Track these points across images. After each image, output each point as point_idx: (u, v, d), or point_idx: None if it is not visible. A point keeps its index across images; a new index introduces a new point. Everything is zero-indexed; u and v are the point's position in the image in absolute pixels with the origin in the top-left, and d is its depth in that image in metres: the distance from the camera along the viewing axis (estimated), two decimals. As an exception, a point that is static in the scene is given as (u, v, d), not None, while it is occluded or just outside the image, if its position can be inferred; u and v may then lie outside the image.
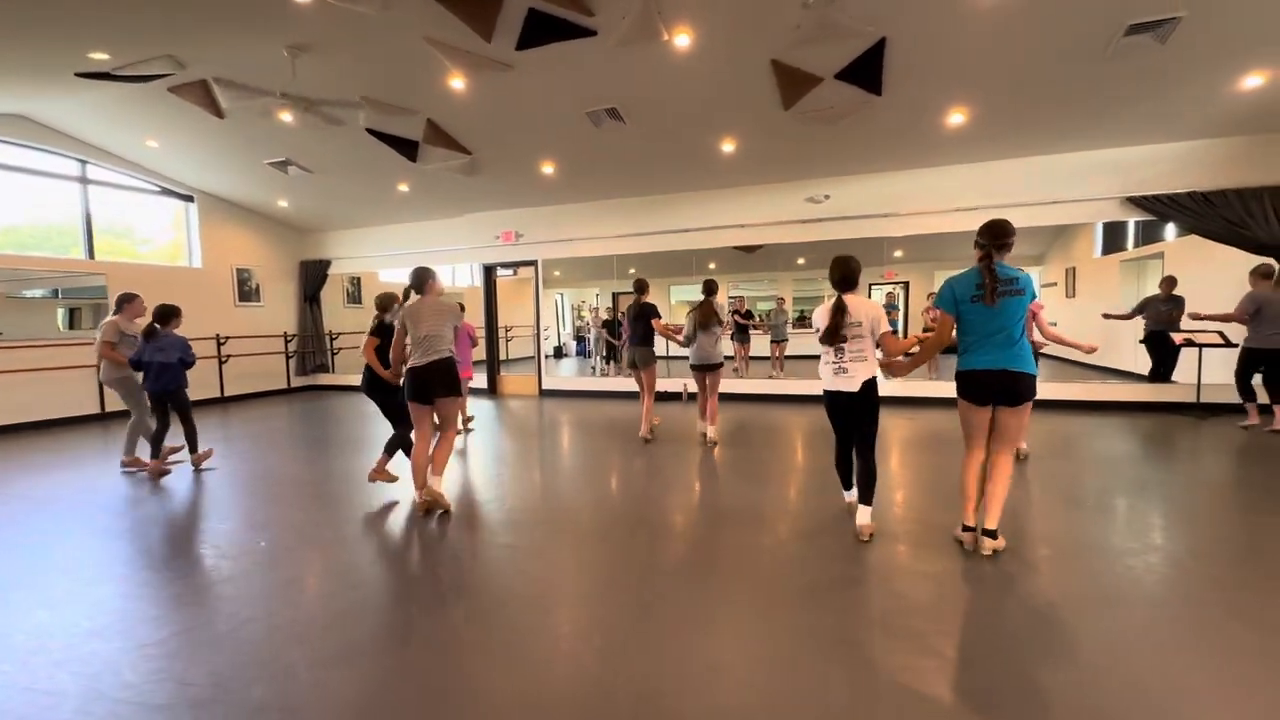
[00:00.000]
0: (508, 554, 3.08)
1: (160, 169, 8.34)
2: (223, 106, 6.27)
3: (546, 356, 9.81)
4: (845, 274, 3.18)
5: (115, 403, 7.88)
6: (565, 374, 11.17)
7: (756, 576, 2.72)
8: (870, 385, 3.13)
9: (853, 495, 3.38)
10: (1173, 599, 2.41)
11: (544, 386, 9.48)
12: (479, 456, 5.31)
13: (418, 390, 3.66)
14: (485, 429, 6.57)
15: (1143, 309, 6.69)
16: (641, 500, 3.89)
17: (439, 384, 3.65)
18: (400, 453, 4.37)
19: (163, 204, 8.96)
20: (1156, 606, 2.36)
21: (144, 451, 5.02)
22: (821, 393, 3.29)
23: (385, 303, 4.56)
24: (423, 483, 3.68)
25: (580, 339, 15.23)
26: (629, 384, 8.94)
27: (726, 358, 5.58)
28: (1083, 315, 9.73)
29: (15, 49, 5.22)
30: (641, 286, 5.76)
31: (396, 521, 3.68)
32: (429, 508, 3.68)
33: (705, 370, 5.41)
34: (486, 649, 2.18)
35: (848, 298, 3.16)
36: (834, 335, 3.12)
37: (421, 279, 3.79)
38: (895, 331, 3.22)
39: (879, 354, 3.21)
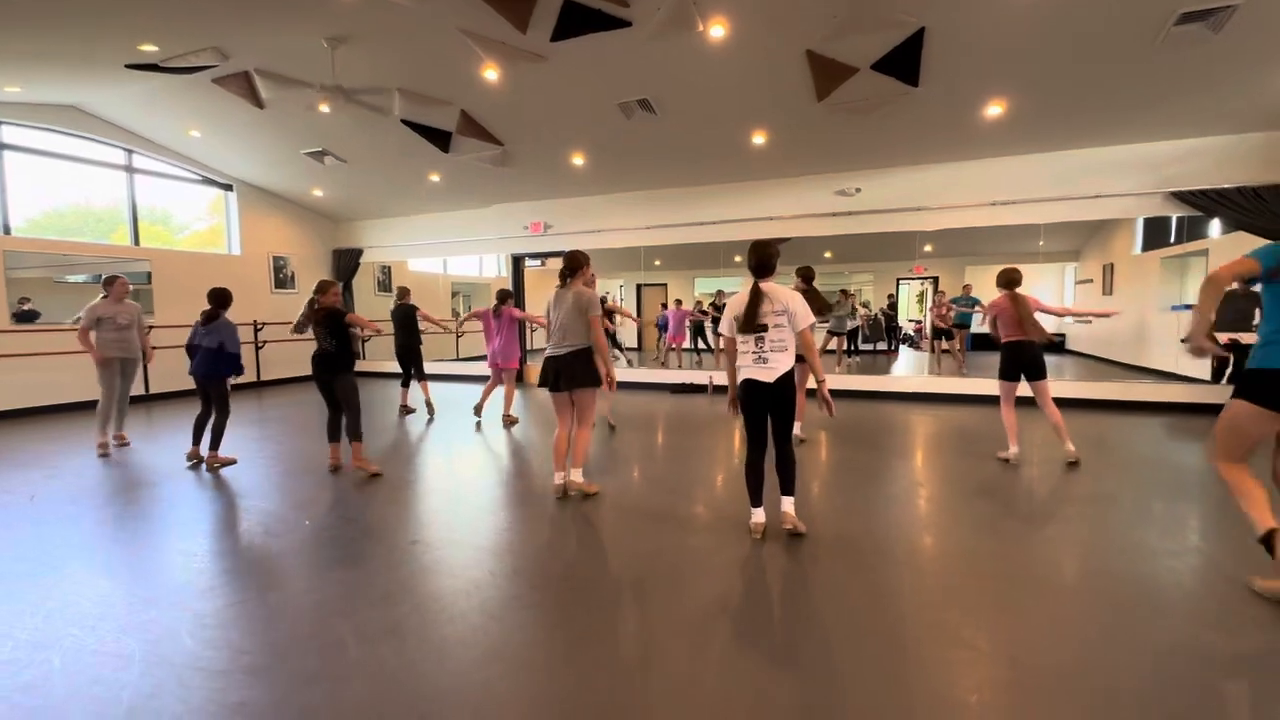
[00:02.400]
0: (551, 535, 3.14)
1: (202, 158, 8.57)
2: (263, 97, 6.44)
3: None
4: (761, 260, 3.01)
5: (159, 386, 8.16)
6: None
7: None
8: (787, 377, 2.97)
9: (760, 515, 3.10)
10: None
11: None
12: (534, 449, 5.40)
13: (549, 378, 3.69)
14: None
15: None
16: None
17: (568, 374, 3.64)
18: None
19: (203, 193, 9.22)
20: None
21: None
22: (740, 384, 3.08)
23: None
24: (561, 465, 3.76)
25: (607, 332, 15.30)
26: (657, 375, 8.98)
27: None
28: (1121, 312, 9.49)
29: (71, 42, 5.40)
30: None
31: (433, 500, 3.78)
32: (565, 492, 3.74)
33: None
34: (527, 625, 2.25)
35: (765, 285, 3.00)
36: (751, 323, 2.96)
37: (573, 265, 3.71)
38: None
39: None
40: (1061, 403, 6.87)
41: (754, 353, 3.01)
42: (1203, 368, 6.96)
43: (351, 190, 9.39)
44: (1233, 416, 2.42)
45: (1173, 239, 8.24)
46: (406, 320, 6.90)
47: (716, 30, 4.88)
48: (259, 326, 9.43)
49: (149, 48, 5.44)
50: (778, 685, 1.88)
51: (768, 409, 3.03)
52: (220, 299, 4.75)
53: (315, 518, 3.47)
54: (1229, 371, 6.65)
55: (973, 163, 7.07)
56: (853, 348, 10.47)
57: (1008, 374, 4.54)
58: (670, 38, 4.98)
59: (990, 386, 7.35)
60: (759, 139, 6.76)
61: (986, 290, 9.42)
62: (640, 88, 5.86)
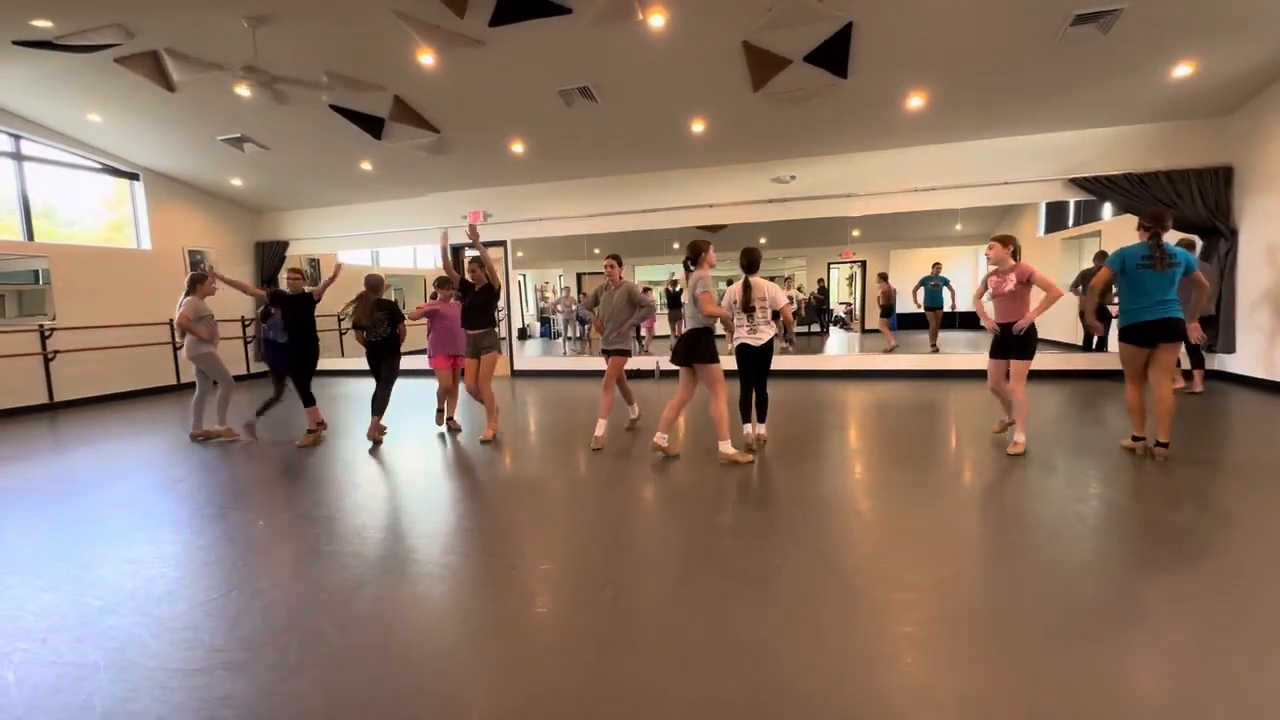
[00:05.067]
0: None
1: (103, 145, 7.90)
2: (174, 79, 6.02)
3: (502, 338, 9.79)
4: (750, 260, 4.27)
5: (66, 393, 7.57)
6: (532, 354, 11.20)
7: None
8: (769, 344, 4.27)
9: (749, 427, 4.51)
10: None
11: (515, 368, 9.50)
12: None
13: (676, 355, 4.16)
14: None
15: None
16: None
17: (688, 352, 4.06)
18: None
19: (104, 183, 8.51)
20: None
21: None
22: (735, 346, 4.38)
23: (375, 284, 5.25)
24: (666, 428, 4.18)
25: (545, 320, 15.20)
26: (597, 363, 9.05)
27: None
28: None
29: (-54, 14, 4.88)
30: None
31: (382, 489, 3.74)
32: (665, 453, 4.21)
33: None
34: (505, 601, 2.31)
35: (752, 279, 4.24)
36: (747, 307, 4.22)
37: (694, 253, 4.08)
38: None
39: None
40: (981, 374, 7.49)
41: (747, 326, 4.27)
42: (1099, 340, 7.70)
43: (275, 179, 8.91)
44: (1120, 353, 3.92)
45: (1071, 222, 9.02)
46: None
47: (656, 19, 4.96)
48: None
49: (43, 23, 4.99)
50: (750, 632, 2.03)
51: (754, 364, 4.33)
52: (273, 298, 5.37)
53: (270, 517, 3.38)
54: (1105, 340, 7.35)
55: (897, 151, 7.49)
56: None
57: (993, 350, 4.28)
58: (610, 25, 5.02)
59: (913, 362, 7.90)
60: (698, 127, 6.91)
61: (915, 270, 10.02)
62: (581, 75, 5.87)
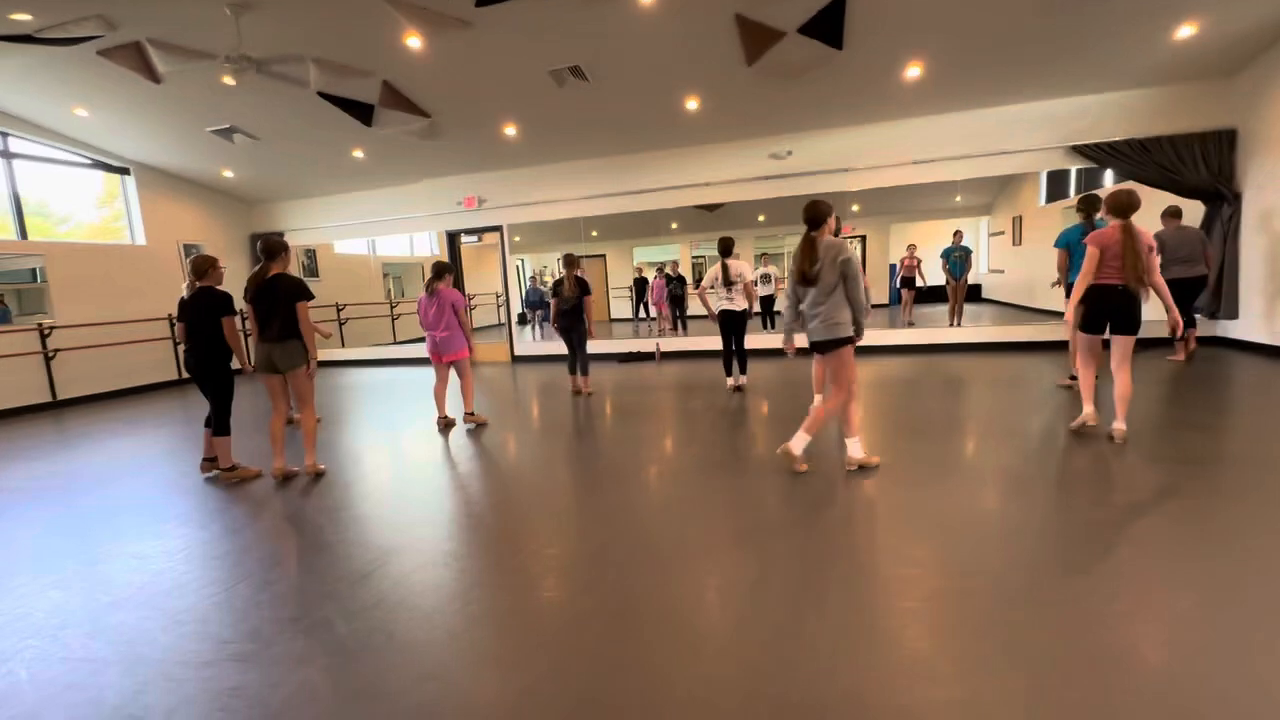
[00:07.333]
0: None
1: (92, 140, 7.82)
2: (159, 70, 5.92)
3: (500, 324, 9.76)
4: (725, 247, 5.60)
5: (67, 391, 7.57)
6: (531, 340, 11.18)
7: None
8: (745, 310, 5.64)
9: (730, 380, 5.88)
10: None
11: (516, 353, 9.50)
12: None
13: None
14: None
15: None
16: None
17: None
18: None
19: (96, 178, 8.44)
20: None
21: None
22: (717, 312, 5.72)
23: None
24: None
25: (545, 304, 15.13)
26: (600, 347, 9.03)
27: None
28: (1028, 261, 10.23)
29: (-77, 10, 4.80)
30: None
31: (385, 479, 3.75)
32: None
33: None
34: (508, 588, 2.32)
35: (729, 261, 5.55)
36: (727, 282, 5.57)
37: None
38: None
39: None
40: (983, 347, 7.47)
41: (725, 297, 5.66)
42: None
43: (266, 170, 8.82)
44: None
45: (1072, 190, 8.91)
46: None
47: (646, -6, 4.86)
48: (175, 321, 8.81)
49: (22, 16, 4.90)
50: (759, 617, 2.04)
51: (733, 325, 5.68)
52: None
53: (274, 509, 3.39)
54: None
55: (895, 123, 7.38)
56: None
57: (1089, 324, 3.71)
58: (600, 2, 4.92)
59: (918, 336, 7.87)
60: (692, 104, 6.81)
61: (931, 240, 9.93)
62: (572, 54, 5.77)
